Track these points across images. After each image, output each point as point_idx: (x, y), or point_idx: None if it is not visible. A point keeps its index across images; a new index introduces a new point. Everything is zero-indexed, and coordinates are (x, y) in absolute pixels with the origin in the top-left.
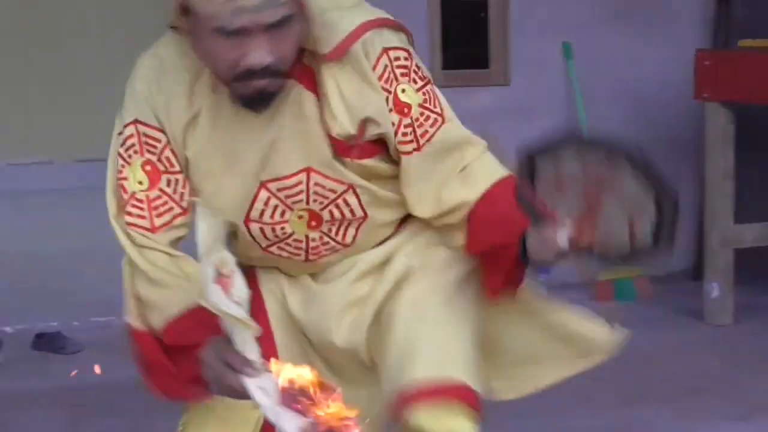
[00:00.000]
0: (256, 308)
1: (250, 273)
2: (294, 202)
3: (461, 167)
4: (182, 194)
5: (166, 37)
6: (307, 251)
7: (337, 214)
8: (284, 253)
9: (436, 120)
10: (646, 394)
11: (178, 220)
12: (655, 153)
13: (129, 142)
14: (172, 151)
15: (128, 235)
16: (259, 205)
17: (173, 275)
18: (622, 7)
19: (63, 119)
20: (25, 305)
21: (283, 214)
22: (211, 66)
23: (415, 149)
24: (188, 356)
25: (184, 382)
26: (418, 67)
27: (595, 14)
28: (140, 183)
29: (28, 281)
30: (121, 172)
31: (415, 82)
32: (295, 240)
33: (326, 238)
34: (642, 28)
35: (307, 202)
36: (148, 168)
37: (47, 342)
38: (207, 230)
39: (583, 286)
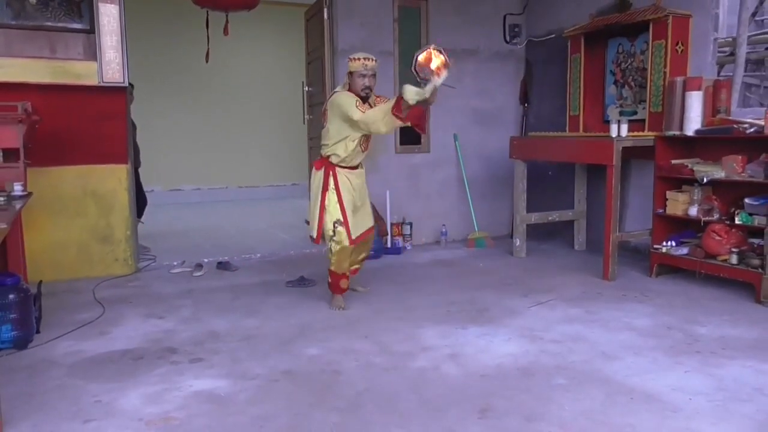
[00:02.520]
0: (336, 186)
1: (333, 173)
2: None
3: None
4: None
5: (341, 88)
6: (364, 150)
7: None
8: (362, 150)
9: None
10: (485, 286)
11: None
12: (495, 182)
13: (356, 101)
14: None
15: (363, 117)
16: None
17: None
18: (480, 119)
19: (232, 161)
20: (213, 249)
21: (363, 141)
22: (355, 88)
23: None
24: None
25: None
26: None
27: (468, 121)
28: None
29: (214, 239)
30: (357, 106)
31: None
32: (364, 147)
33: (365, 145)
34: (490, 127)
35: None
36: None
37: (223, 265)
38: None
39: (462, 241)
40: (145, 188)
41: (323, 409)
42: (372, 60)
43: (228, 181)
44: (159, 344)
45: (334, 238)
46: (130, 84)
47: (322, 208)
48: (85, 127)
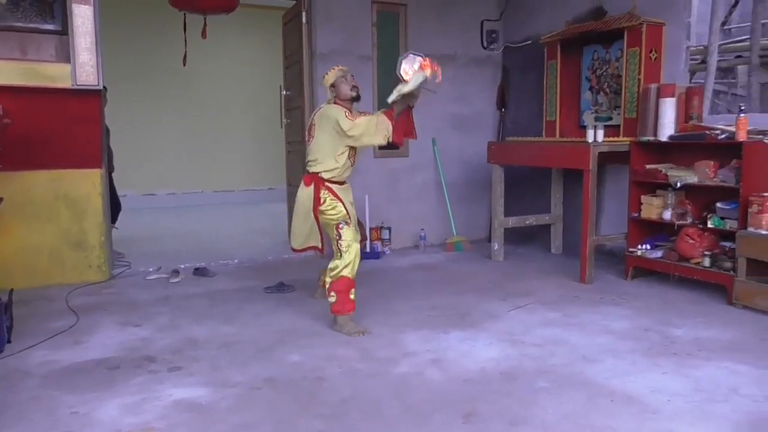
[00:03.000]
0: (340, 200)
1: (332, 191)
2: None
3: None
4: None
5: (329, 101)
6: (352, 163)
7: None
8: (351, 164)
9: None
10: (465, 290)
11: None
12: (473, 187)
13: (346, 113)
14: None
15: (355, 125)
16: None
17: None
18: (459, 123)
19: (207, 165)
20: (190, 255)
21: (352, 155)
22: (344, 94)
23: None
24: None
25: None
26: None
27: (446, 126)
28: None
29: (190, 245)
30: (347, 116)
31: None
32: (353, 160)
33: (353, 158)
34: (468, 132)
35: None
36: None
37: (200, 271)
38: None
39: (440, 246)
40: (118, 193)
41: (307, 417)
42: (343, 66)
43: (203, 185)
44: (136, 353)
45: (342, 241)
46: (103, 87)
47: (318, 222)
48: (57, 130)
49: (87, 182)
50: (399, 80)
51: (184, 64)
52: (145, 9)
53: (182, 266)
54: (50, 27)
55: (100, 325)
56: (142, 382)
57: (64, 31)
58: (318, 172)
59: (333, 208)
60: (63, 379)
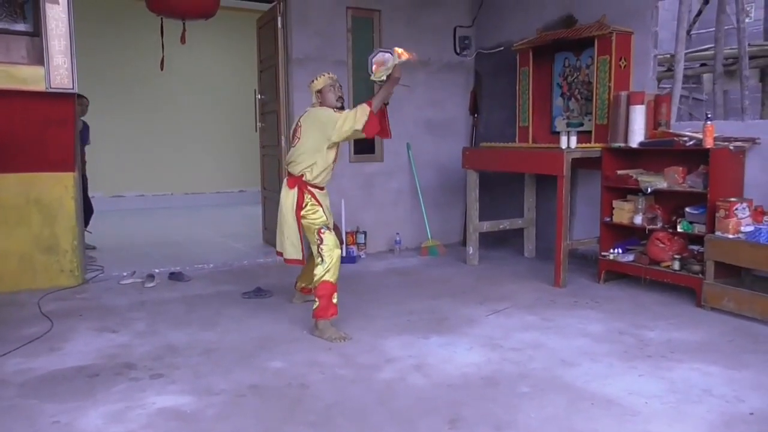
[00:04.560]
0: (320, 205)
1: (314, 195)
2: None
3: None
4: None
5: (314, 105)
6: (334, 166)
7: None
8: (333, 167)
9: None
10: (442, 295)
11: None
12: (447, 191)
13: (332, 109)
14: None
15: (340, 116)
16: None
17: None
18: (433, 128)
19: (177, 167)
20: (165, 260)
21: (335, 158)
22: (330, 102)
23: None
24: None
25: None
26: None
27: (420, 131)
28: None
29: (163, 249)
30: (333, 111)
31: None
32: (334, 162)
33: (335, 161)
34: (442, 137)
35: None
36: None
37: (175, 276)
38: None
39: (415, 250)
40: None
41: (294, 424)
42: (333, 74)
43: (173, 187)
44: (115, 360)
45: (323, 246)
46: (84, 96)
47: (300, 225)
48: (30, 133)
49: (59, 185)
50: (372, 77)
51: (162, 69)
52: (115, 9)
53: (157, 271)
54: (21, 28)
55: (76, 331)
56: (124, 389)
57: (36, 32)
58: (302, 174)
59: (314, 213)
60: (42, 388)
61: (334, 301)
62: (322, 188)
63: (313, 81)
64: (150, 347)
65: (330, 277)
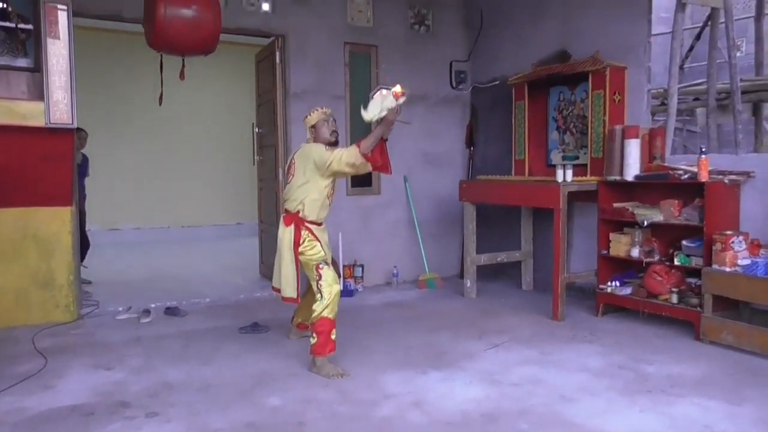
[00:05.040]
0: (318, 240)
1: (312, 232)
2: (332, 190)
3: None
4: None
5: (308, 141)
6: (330, 203)
7: None
8: (329, 202)
9: None
10: (440, 328)
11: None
12: (444, 224)
13: (325, 146)
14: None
15: (332, 154)
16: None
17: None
18: (430, 161)
19: (174, 199)
20: (161, 294)
21: (330, 193)
22: (324, 137)
23: None
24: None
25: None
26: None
27: (418, 163)
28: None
29: (159, 283)
30: (326, 149)
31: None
32: (330, 199)
33: (332, 197)
34: (439, 169)
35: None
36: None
37: (171, 311)
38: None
39: (413, 282)
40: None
41: None
42: (327, 108)
43: (170, 220)
44: (110, 397)
45: (322, 281)
46: (82, 130)
47: (298, 262)
48: (28, 168)
49: (57, 220)
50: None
51: (160, 104)
52: (112, 42)
53: (153, 305)
54: (22, 63)
55: (70, 368)
56: (119, 429)
57: (37, 68)
58: (298, 211)
59: (312, 248)
60: (35, 427)
61: (333, 337)
62: (319, 224)
63: (307, 116)
64: (145, 384)
65: (329, 313)
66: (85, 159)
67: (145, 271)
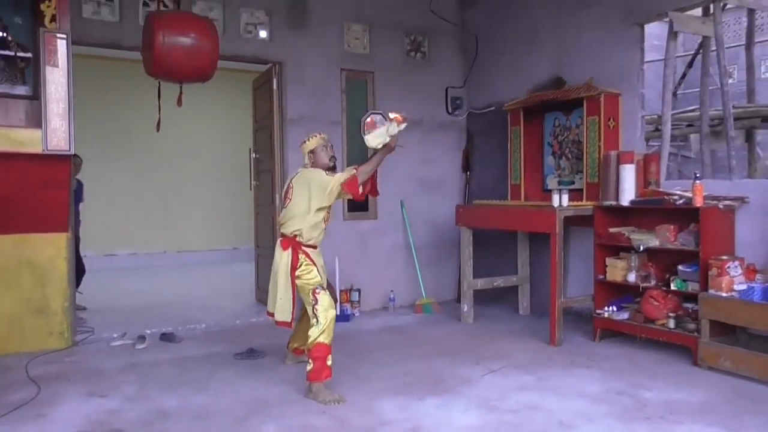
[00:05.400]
0: (315, 265)
1: (308, 255)
2: (328, 214)
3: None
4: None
5: (305, 166)
6: (326, 226)
7: None
8: (325, 226)
9: None
10: (437, 354)
11: None
12: (441, 248)
13: (324, 171)
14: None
15: (332, 178)
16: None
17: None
18: (426, 186)
19: (170, 225)
20: (157, 320)
21: (326, 217)
22: (323, 162)
23: None
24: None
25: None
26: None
27: (414, 188)
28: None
29: (155, 308)
30: (326, 173)
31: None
32: (327, 222)
33: (328, 220)
34: (435, 194)
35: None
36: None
37: (166, 336)
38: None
39: (410, 307)
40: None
41: None
42: (324, 134)
43: (166, 245)
44: (104, 426)
45: (318, 306)
46: (77, 156)
47: (294, 286)
48: (25, 194)
49: (52, 246)
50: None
51: (158, 130)
52: (117, 72)
53: (148, 331)
54: (21, 91)
55: (63, 396)
56: None
57: (35, 96)
58: (295, 234)
59: (309, 273)
60: None
61: (329, 363)
62: (315, 247)
63: (305, 142)
64: (140, 412)
65: (325, 338)
66: (79, 184)
67: (141, 297)
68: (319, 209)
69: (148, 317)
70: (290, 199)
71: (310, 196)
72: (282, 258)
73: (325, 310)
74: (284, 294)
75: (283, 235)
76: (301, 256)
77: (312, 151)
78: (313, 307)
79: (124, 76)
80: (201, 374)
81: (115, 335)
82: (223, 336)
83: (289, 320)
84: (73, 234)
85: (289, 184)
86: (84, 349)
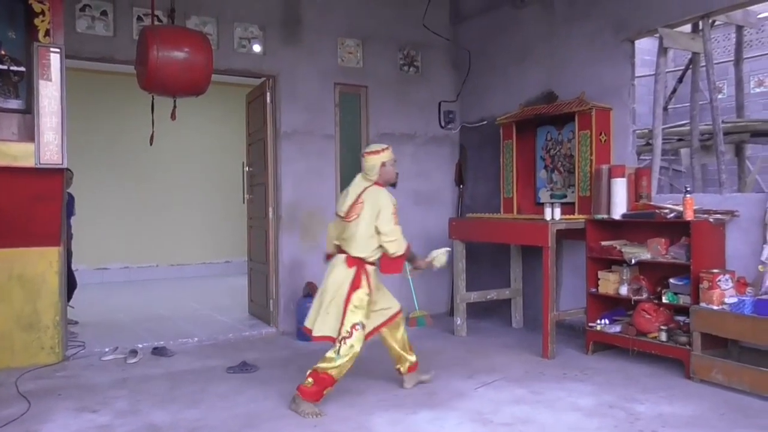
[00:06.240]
0: (370, 287)
1: (369, 279)
2: None
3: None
4: None
5: (362, 178)
6: None
7: None
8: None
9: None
10: (430, 367)
11: None
12: None
13: (394, 209)
14: None
15: (393, 233)
16: None
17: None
18: (420, 199)
19: (162, 238)
20: (149, 334)
21: None
22: (389, 177)
23: None
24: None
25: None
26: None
27: (408, 201)
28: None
29: (147, 322)
30: (393, 213)
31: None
32: None
33: None
34: (429, 208)
35: None
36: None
37: (159, 351)
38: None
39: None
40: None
41: None
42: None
43: (159, 258)
44: None
45: (349, 339)
46: (68, 169)
47: (347, 303)
48: (17, 208)
49: (43, 261)
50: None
51: (151, 144)
52: (110, 85)
53: (140, 345)
54: (13, 105)
55: (54, 411)
56: None
57: (28, 109)
58: (362, 255)
59: (361, 303)
60: None
61: (324, 393)
62: (374, 264)
63: (377, 152)
64: (131, 427)
65: (336, 373)
66: (71, 198)
67: (133, 311)
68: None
69: (140, 331)
70: (358, 215)
71: (378, 222)
72: (342, 273)
73: (351, 346)
74: (335, 309)
75: (345, 253)
76: (364, 280)
77: (384, 164)
78: (343, 339)
79: (118, 90)
80: (193, 388)
81: (107, 349)
82: (215, 350)
83: (334, 336)
84: (65, 248)
85: (357, 199)
86: (75, 364)
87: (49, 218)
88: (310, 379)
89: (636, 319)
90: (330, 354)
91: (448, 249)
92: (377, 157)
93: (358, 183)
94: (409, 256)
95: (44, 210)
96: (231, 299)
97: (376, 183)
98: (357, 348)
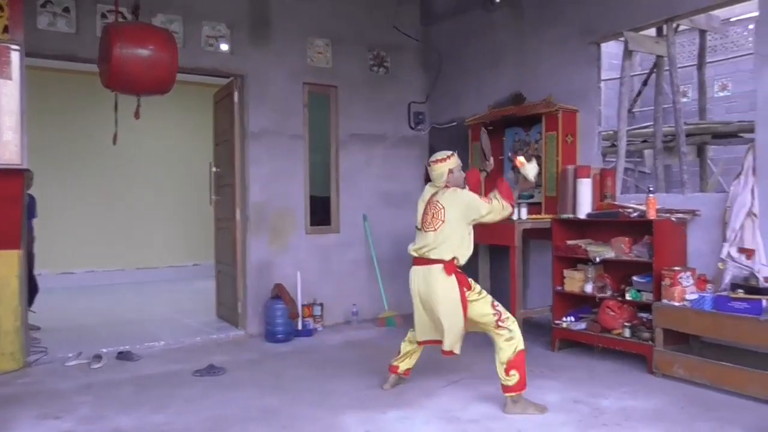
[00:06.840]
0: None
1: (464, 279)
2: None
3: None
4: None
5: (431, 186)
6: None
7: None
8: None
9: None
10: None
11: None
12: (403, 262)
13: (479, 195)
14: None
15: (491, 208)
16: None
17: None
18: (389, 200)
19: (128, 241)
20: (114, 339)
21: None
22: (458, 183)
23: None
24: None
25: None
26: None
27: (377, 202)
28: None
29: (112, 327)
30: (481, 198)
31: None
32: None
33: None
34: (398, 208)
35: None
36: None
37: (124, 355)
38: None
39: (372, 321)
40: (33, 272)
41: None
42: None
43: (125, 262)
44: None
45: (503, 316)
46: (28, 169)
47: (466, 311)
48: None
49: (4, 264)
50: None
51: (114, 143)
52: (72, 84)
53: (104, 350)
54: None
55: (15, 420)
56: None
57: None
58: (454, 258)
59: (479, 292)
60: None
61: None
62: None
63: (444, 159)
64: None
65: (522, 344)
66: (32, 200)
67: (98, 315)
68: (468, 229)
69: (104, 336)
70: (443, 221)
71: (463, 216)
72: (447, 284)
73: (507, 317)
74: (456, 320)
75: (439, 260)
76: (469, 282)
77: (451, 170)
78: (498, 321)
79: (80, 89)
80: (160, 393)
81: (70, 355)
82: (182, 353)
83: (443, 338)
84: (26, 251)
85: (438, 206)
86: (37, 371)
87: (9, 220)
88: (508, 375)
89: (601, 316)
90: (504, 338)
91: (535, 163)
92: (444, 165)
93: (429, 191)
94: (513, 195)
95: (3, 212)
96: (199, 302)
97: (446, 186)
98: (509, 313)
